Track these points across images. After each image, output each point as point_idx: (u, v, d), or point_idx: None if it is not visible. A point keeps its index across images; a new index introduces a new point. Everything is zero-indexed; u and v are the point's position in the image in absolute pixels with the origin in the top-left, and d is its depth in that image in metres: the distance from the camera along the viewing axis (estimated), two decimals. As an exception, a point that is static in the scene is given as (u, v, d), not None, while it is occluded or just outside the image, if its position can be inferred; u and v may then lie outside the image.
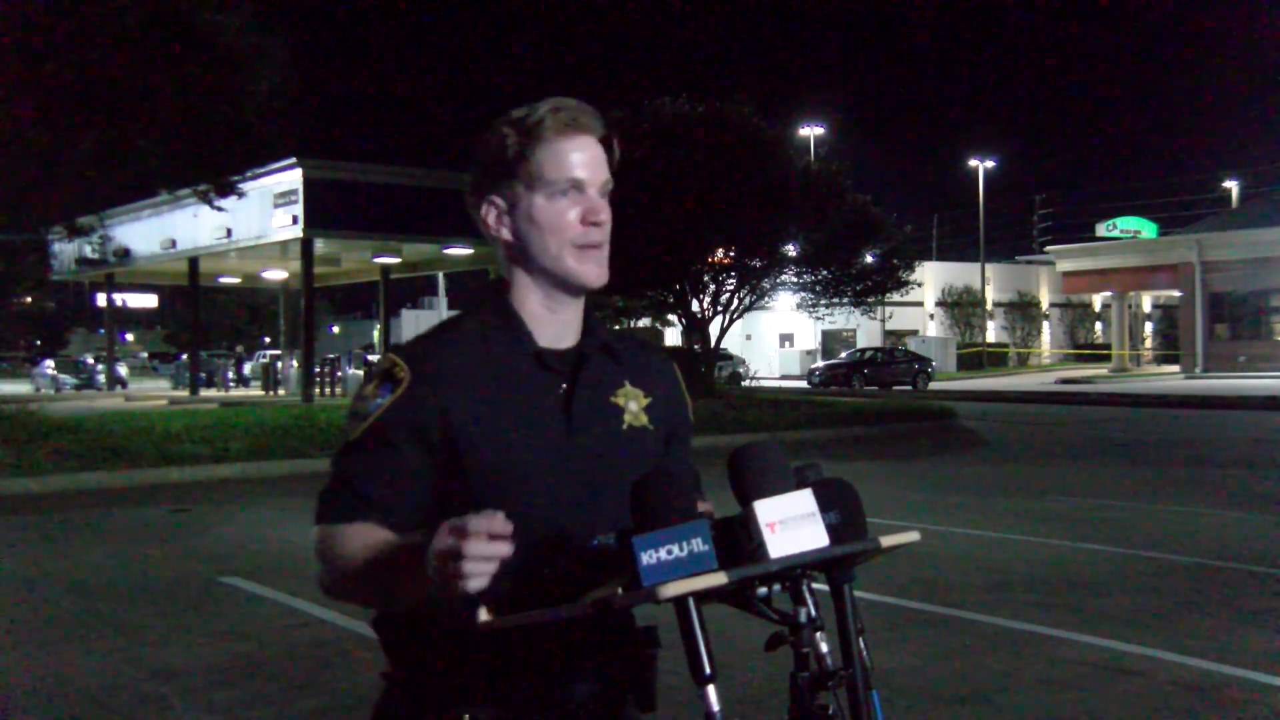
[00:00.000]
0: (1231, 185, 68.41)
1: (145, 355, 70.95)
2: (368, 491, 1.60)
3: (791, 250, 28.02)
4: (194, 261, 33.45)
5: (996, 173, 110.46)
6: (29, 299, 59.59)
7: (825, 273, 29.12)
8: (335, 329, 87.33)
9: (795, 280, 29.65)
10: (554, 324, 1.71)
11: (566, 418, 1.66)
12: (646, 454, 1.73)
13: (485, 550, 1.32)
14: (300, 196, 27.32)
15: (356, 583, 1.59)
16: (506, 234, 1.71)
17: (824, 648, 1.35)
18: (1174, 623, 6.36)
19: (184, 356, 41.92)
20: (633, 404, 1.74)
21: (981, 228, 58.90)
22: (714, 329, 28.82)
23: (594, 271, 1.69)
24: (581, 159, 1.67)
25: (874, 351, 45.36)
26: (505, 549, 1.34)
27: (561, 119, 1.67)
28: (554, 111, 1.67)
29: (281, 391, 34.73)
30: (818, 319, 34.28)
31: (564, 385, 1.68)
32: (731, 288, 28.52)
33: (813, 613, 1.35)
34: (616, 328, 44.32)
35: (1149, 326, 59.69)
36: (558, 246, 1.67)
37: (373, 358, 36.80)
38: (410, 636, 1.64)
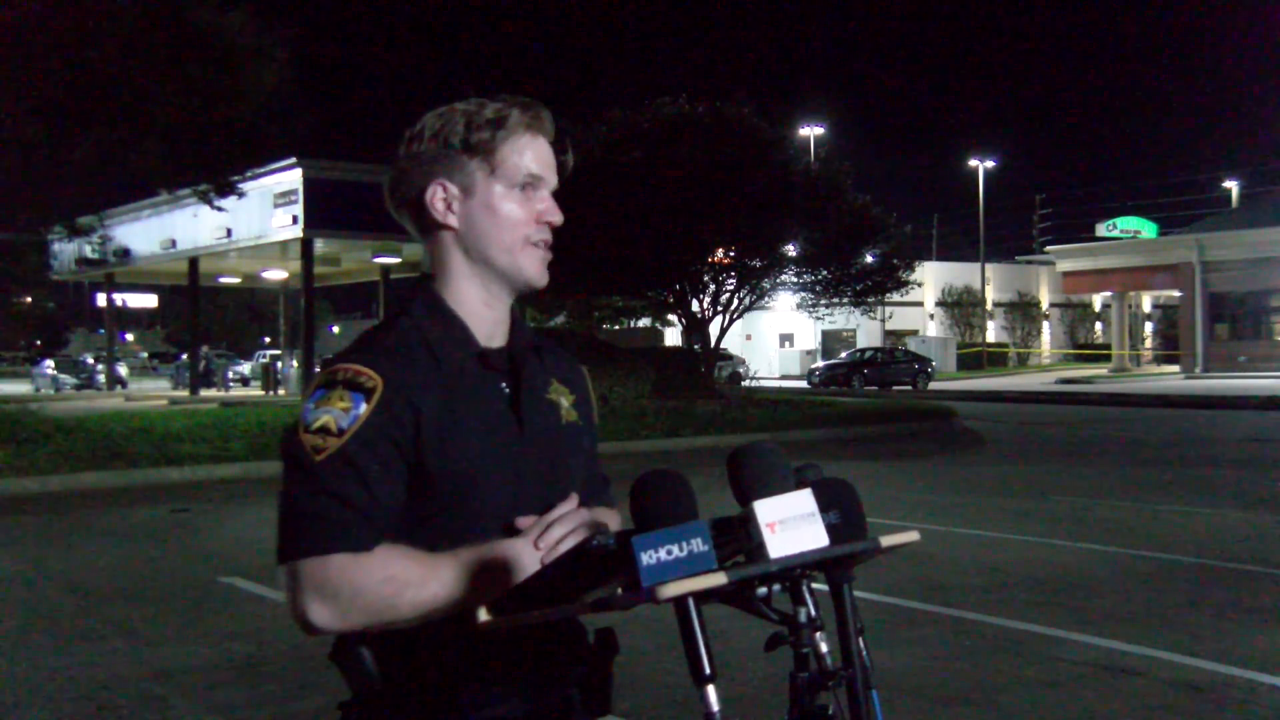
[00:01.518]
0: (1231, 185, 68.49)
1: (145, 355, 70.95)
2: (376, 510, 1.53)
3: (791, 250, 28.05)
4: (194, 261, 33.46)
5: (996, 173, 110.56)
6: (29, 299, 59.60)
7: (825, 273, 29.14)
8: (335, 329, 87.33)
9: (795, 280, 29.67)
10: (488, 321, 1.70)
11: (517, 417, 1.66)
12: (583, 448, 1.77)
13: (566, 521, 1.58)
14: (300, 196, 27.33)
15: (413, 606, 1.51)
16: (454, 221, 1.66)
17: (824, 648, 1.35)
18: (1174, 623, 6.36)
19: (184, 356, 41.93)
20: (564, 400, 1.76)
21: (981, 228, 59.00)
22: (714, 329, 28.83)
23: (539, 270, 1.69)
24: (543, 157, 1.68)
25: (874, 351, 45.38)
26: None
27: (529, 117, 1.67)
28: (521, 107, 1.67)
29: (281, 391, 34.74)
30: (818, 319, 34.30)
31: (505, 384, 1.68)
32: (731, 288, 28.54)
33: (812, 613, 1.34)
34: (616, 326, 44.37)
35: (1149, 326, 59.70)
36: (511, 239, 1.66)
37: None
38: (379, 661, 1.60)
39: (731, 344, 41.60)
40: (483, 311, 1.69)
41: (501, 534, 1.58)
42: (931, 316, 59.38)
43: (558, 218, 1.69)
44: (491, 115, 1.65)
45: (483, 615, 1.44)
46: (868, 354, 44.80)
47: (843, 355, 46.81)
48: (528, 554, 1.54)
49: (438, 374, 1.62)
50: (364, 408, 1.54)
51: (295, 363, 33.82)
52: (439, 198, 1.66)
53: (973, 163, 61.18)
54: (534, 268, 1.68)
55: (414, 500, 1.58)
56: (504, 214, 1.66)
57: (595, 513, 1.70)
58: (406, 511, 1.57)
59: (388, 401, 1.55)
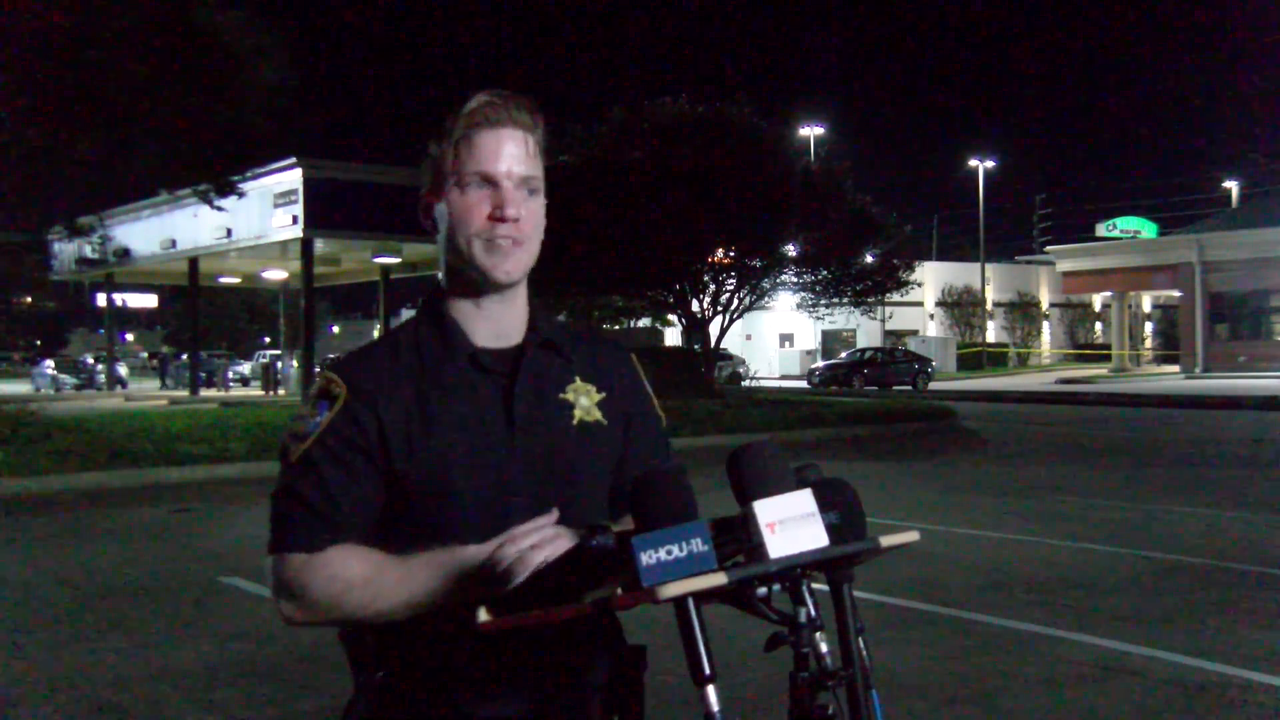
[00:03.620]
0: (1231, 185, 68.44)
1: (145, 355, 70.97)
2: (334, 512, 1.56)
3: (791, 250, 28.06)
4: (194, 261, 33.48)
5: (996, 173, 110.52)
6: (29, 299, 59.63)
7: (825, 273, 29.16)
8: (335, 329, 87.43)
9: (795, 280, 29.68)
10: (488, 322, 1.67)
11: (507, 417, 1.63)
12: (601, 450, 1.70)
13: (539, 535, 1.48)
14: (300, 196, 27.34)
15: (359, 607, 1.54)
16: (431, 226, 1.69)
17: (824, 648, 1.35)
18: (1174, 623, 6.36)
19: (184, 356, 41.94)
20: (583, 399, 1.70)
21: (981, 228, 59.03)
22: (714, 329, 28.84)
23: (500, 265, 1.63)
24: (497, 152, 1.62)
25: (874, 351, 45.37)
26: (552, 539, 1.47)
27: (484, 112, 1.63)
28: (481, 104, 1.63)
29: (281, 391, 34.76)
30: (818, 319, 34.32)
31: (503, 385, 1.65)
32: (731, 288, 28.55)
33: (812, 613, 1.34)
34: (616, 326, 44.44)
35: (1149, 326, 59.71)
36: (465, 239, 1.63)
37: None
38: (381, 651, 1.60)
39: (731, 344, 41.64)
40: (473, 312, 1.67)
41: (480, 536, 1.55)
42: (931, 316, 59.38)
43: (510, 210, 1.62)
44: (460, 117, 1.63)
45: (482, 615, 1.43)
46: (868, 354, 44.78)
47: (843, 355, 46.80)
48: (477, 561, 1.51)
49: (419, 378, 1.62)
50: (326, 414, 1.59)
51: (295, 363, 33.83)
52: (423, 205, 1.70)
53: (973, 163, 61.25)
54: (492, 262, 1.63)
55: (391, 501, 1.60)
56: (457, 215, 1.64)
57: (623, 521, 1.62)
58: (386, 513, 1.60)
59: (349, 407, 1.59)
